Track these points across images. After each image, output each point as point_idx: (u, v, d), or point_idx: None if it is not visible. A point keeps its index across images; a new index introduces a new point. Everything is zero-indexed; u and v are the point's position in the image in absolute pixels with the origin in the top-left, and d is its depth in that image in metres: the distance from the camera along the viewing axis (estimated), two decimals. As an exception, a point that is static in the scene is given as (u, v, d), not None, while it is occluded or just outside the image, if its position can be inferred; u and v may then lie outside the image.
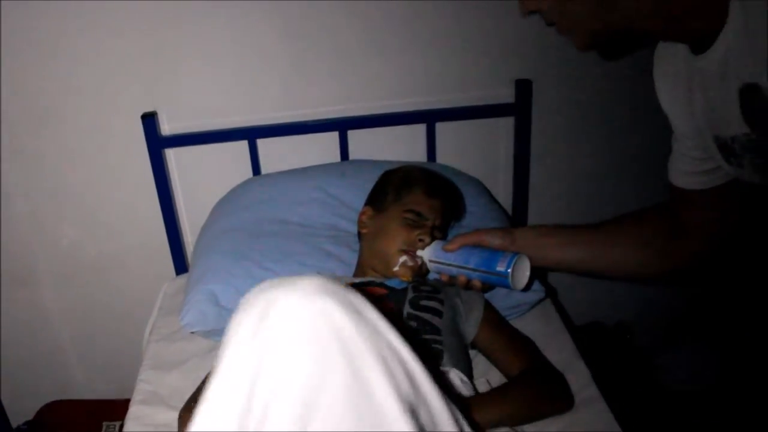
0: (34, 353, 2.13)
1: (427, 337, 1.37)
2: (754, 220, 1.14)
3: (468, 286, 1.32)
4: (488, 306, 1.54)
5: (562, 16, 0.97)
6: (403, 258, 1.48)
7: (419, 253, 1.42)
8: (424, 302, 1.43)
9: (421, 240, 1.47)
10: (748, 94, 0.87)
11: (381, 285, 1.48)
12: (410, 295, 1.45)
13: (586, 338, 1.85)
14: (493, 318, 1.52)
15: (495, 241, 1.30)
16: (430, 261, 1.38)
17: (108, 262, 2.01)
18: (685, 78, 1.01)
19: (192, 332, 1.60)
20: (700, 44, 0.93)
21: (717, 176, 1.10)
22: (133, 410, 1.49)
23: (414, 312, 1.41)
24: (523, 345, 1.48)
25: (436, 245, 1.38)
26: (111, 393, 2.19)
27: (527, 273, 1.27)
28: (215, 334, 1.58)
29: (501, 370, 1.47)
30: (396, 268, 1.49)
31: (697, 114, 1.01)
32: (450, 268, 1.33)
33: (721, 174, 1.08)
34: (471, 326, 1.48)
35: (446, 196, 1.60)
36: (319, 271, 1.58)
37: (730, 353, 2.07)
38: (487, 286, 1.33)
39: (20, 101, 1.78)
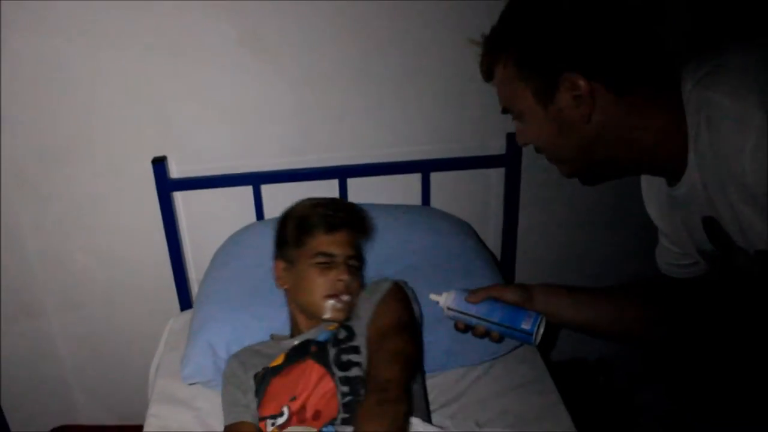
0: (40, 380, 2.21)
1: (360, 398, 1.36)
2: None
3: (484, 336, 1.31)
4: (378, 311, 1.50)
5: (551, 151, 1.13)
6: (330, 303, 1.52)
7: (440, 302, 1.34)
8: (344, 357, 1.43)
9: (340, 280, 1.51)
10: (709, 223, 1.03)
11: (315, 342, 1.50)
12: (332, 353, 1.44)
13: (568, 377, 1.93)
14: (382, 323, 1.48)
15: (513, 296, 1.29)
16: (449, 309, 1.33)
17: (114, 295, 2.11)
18: (665, 199, 1.15)
19: (191, 383, 1.68)
20: (672, 177, 1.07)
21: (696, 269, 1.23)
22: (146, 445, 1.57)
23: (344, 374, 1.40)
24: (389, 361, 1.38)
25: (456, 295, 1.33)
26: (113, 420, 2.29)
27: (542, 331, 1.27)
28: (214, 383, 1.67)
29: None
30: (326, 315, 1.53)
31: (678, 226, 1.15)
32: (470, 318, 1.31)
33: (699, 268, 1.22)
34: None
35: (347, 223, 1.60)
36: (273, 334, 1.67)
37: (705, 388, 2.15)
38: (502, 338, 1.32)
39: (34, 144, 1.87)
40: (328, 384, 1.41)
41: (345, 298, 1.53)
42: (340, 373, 1.41)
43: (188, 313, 1.98)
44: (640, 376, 2.28)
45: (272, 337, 1.67)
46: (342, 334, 1.49)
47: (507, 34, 1.09)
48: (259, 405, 1.47)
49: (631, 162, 1.09)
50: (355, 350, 1.45)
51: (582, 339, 2.27)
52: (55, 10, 1.71)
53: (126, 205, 1.98)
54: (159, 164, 1.87)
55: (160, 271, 2.03)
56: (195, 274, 2.06)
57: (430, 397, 1.66)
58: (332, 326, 1.53)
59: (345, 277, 1.52)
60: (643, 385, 2.25)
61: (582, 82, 1.01)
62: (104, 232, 2.01)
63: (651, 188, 1.22)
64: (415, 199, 2.00)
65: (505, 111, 1.16)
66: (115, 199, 1.97)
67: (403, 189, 2.01)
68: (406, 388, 1.33)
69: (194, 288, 2.07)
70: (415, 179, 1.98)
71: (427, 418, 1.47)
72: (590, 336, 1.40)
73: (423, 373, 1.60)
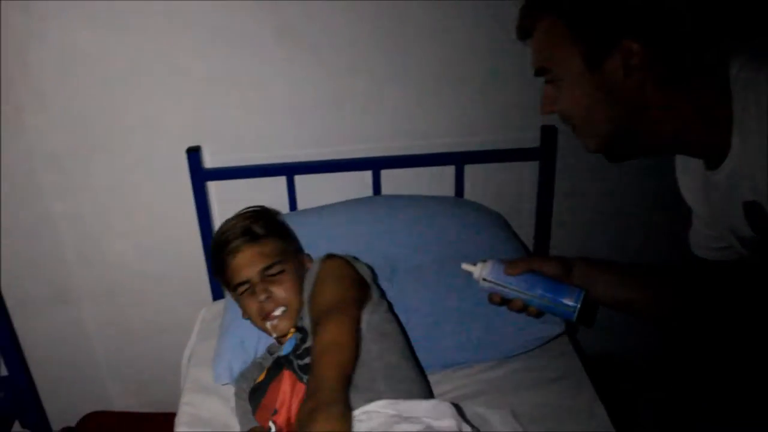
0: (73, 366, 2.25)
1: None
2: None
3: (522, 310, 1.26)
4: (312, 295, 1.46)
5: (584, 121, 1.07)
6: (269, 324, 1.52)
7: (474, 273, 1.28)
8: (301, 362, 1.41)
9: (263, 300, 1.49)
10: (750, 208, 0.99)
11: (284, 355, 1.48)
12: (296, 362, 1.42)
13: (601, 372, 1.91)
14: (315, 309, 1.43)
15: (553, 269, 1.25)
16: (484, 280, 1.27)
17: (147, 284, 2.13)
18: (702, 183, 1.11)
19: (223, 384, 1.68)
20: (711, 160, 1.03)
21: (730, 253, 1.18)
22: (179, 432, 1.59)
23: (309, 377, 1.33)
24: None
25: (494, 265, 1.26)
26: (144, 407, 2.32)
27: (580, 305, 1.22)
28: None
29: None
30: (274, 335, 1.54)
31: (715, 210, 1.12)
32: (507, 290, 1.25)
33: (733, 251, 1.17)
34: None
35: (242, 242, 1.55)
36: (269, 346, 1.66)
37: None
38: (542, 312, 1.27)
39: (72, 133, 1.89)
40: (302, 390, 1.37)
41: (277, 312, 1.51)
42: (306, 377, 1.37)
43: (220, 303, 1.99)
44: (643, 373, 2.26)
45: (268, 350, 1.66)
46: (298, 337, 1.47)
47: None
48: (257, 419, 1.48)
49: (668, 141, 1.05)
50: (309, 353, 1.38)
51: (585, 333, 2.27)
52: (95, 4, 1.72)
53: (160, 195, 1.99)
54: (194, 154, 1.88)
55: (193, 260, 2.04)
56: (227, 264, 2.07)
57: (462, 385, 1.67)
58: (291, 333, 1.52)
59: (262, 297, 1.50)
60: (646, 383, 2.23)
61: (639, 51, 0.96)
62: (139, 222, 2.03)
63: (686, 170, 1.17)
64: (449, 190, 1.99)
65: (538, 73, 1.09)
66: (150, 188, 1.99)
67: (437, 181, 2.00)
68: (342, 382, 1.23)
69: (226, 278, 2.08)
70: (448, 171, 1.97)
71: (417, 395, 1.40)
72: (623, 313, 1.36)
73: (411, 349, 1.53)
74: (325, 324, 1.33)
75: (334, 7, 1.78)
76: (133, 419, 2.25)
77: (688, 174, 1.17)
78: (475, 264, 1.28)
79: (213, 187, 1.97)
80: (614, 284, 1.27)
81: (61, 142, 1.90)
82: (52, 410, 2.26)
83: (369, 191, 1.98)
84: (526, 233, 2.09)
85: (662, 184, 1.35)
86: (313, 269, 1.53)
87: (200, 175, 1.91)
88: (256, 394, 1.48)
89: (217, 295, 2.06)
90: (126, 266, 2.09)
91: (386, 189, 1.98)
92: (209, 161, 1.94)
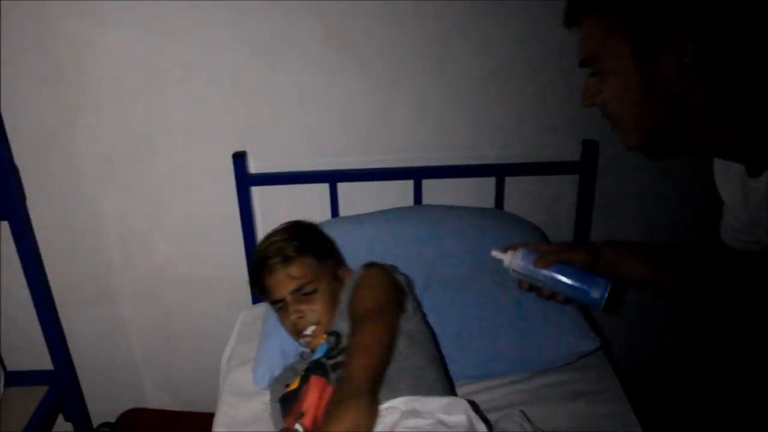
0: (112, 364, 2.30)
1: None
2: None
3: (551, 298, 1.29)
4: (351, 302, 1.50)
5: (626, 118, 1.06)
6: (302, 341, 1.60)
7: (504, 261, 1.30)
8: (333, 361, 1.45)
9: (295, 319, 1.57)
10: None
11: (316, 360, 1.51)
12: (328, 362, 1.46)
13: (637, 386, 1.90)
14: (353, 314, 1.47)
15: (581, 258, 1.25)
16: (514, 271, 1.29)
17: (188, 285, 2.17)
18: (741, 186, 1.11)
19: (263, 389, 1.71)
20: (754, 168, 1.03)
21: (760, 246, 1.16)
22: (218, 432, 1.62)
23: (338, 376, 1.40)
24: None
25: (524, 256, 1.28)
26: (179, 406, 2.37)
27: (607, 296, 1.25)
28: None
29: None
30: (308, 349, 1.60)
31: (754, 213, 1.10)
32: (536, 280, 1.28)
33: (762, 245, 1.15)
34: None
35: (276, 264, 1.60)
36: (302, 352, 1.68)
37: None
38: (568, 300, 1.30)
39: (120, 138, 1.95)
40: (328, 391, 1.41)
41: (308, 331, 1.57)
42: (335, 375, 1.42)
43: (259, 307, 2.02)
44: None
45: (301, 355, 1.69)
46: (332, 342, 1.51)
47: None
48: (286, 423, 1.50)
49: (710, 143, 1.04)
50: (343, 352, 1.45)
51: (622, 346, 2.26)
52: (148, 10, 1.78)
53: (205, 198, 2.04)
54: (239, 159, 1.92)
55: (234, 264, 2.08)
56: (267, 269, 2.10)
57: (491, 399, 1.66)
58: (323, 339, 1.55)
59: (293, 317, 1.58)
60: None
61: (691, 50, 0.95)
62: (182, 224, 2.08)
63: (727, 171, 1.16)
64: (489, 202, 2.01)
65: (583, 64, 1.07)
66: (195, 191, 2.03)
67: (478, 192, 2.02)
68: (371, 382, 1.25)
69: (266, 282, 2.11)
70: (489, 182, 1.99)
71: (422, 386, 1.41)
72: (649, 295, 1.36)
73: (442, 359, 1.58)
74: (362, 329, 1.37)
75: (381, 18, 1.81)
76: (170, 417, 2.29)
77: (729, 176, 1.16)
78: (505, 251, 1.31)
79: (255, 192, 2.01)
80: (640, 267, 1.28)
81: (111, 145, 1.96)
82: (93, 405, 2.31)
83: (410, 200, 2.00)
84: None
85: (703, 198, 1.34)
86: (353, 276, 1.58)
87: (245, 180, 1.95)
88: (288, 401, 1.51)
89: (256, 299, 2.09)
90: (168, 268, 2.14)
91: (427, 199, 2.00)
92: (253, 167, 1.98)
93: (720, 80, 0.97)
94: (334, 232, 1.83)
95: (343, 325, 1.49)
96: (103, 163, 1.98)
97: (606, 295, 1.24)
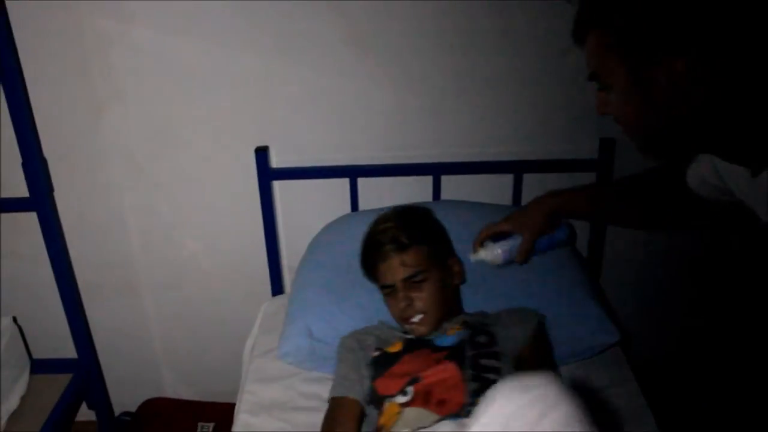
0: (134, 354, 2.35)
1: None
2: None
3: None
4: (538, 336, 1.60)
5: (631, 127, 1.11)
6: (408, 326, 1.60)
7: (481, 256, 1.61)
8: (483, 361, 1.47)
9: (404, 307, 1.57)
10: None
11: (429, 343, 1.56)
12: (469, 352, 1.49)
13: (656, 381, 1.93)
14: (535, 350, 1.57)
15: (548, 229, 1.61)
16: (493, 262, 1.61)
17: (209, 277, 2.21)
18: (746, 180, 1.14)
19: (288, 362, 1.76)
20: (756, 169, 1.07)
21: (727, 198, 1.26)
22: (241, 418, 1.66)
23: (476, 373, 1.44)
24: None
25: (504, 257, 1.59)
26: (198, 395, 2.41)
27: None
28: (309, 365, 1.76)
29: None
30: (411, 335, 1.60)
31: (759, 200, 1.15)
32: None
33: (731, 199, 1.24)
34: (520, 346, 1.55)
35: (390, 251, 1.60)
36: (381, 321, 1.72)
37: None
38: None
39: (144, 132, 1.99)
40: (455, 377, 1.44)
41: (416, 318, 1.58)
42: (472, 372, 1.44)
43: (280, 298, 2.07)
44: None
45: (381, 323, 1.72)
46: (482, 339, 1.53)
47: (607, 6, 1.05)
48: (376, 385, 1.52)
49: (715, 146, 1.10)
50: (496, 357, 1.49)
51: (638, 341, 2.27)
52: (174, 7, 1.81)
53: (227, 192, 2.08)
54: (261, 153, 1.96)
55: (255, 257, 2.12)
56: (287, 261, 2.14)
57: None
58: (453, 329, 1.58)
59: (402, 304, 1.58)
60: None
61: (682, 68, 0.98)
62: (204, 217, 2.11)
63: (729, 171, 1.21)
64: (506, 198, 2.04)
65: (591, 78, 1.13)
66: (217, 185, 2.07)
67: (495, 188, 2.04)
68: None
69: (286, 275, 2.15)
70: (507, 179, 2.01)
71: None
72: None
73: None
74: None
75: (401, 16, 1.83)
76: (190, 407, 2.33)
77: (731, 175, 1.20)
78: (478, 252, 1.62)
79: (277, 186, 2.04)
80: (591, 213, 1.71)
81: (135, 139, 1.99)
82: (115, 394, 2.36)
83: (429, 196, 2.03)
84: (581, 242, 2.11)
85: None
86: (530, 317, 1.64)
87: (267, 175, 1.98)
88: (385, 360, 1.54)
89: (276, 291, 2.13)
90: (189, 260, 2.18)
91: (446, 195, 2.03)
92: (275, 161, 2.02)
93: (717, 88, 1.00)
94: (356, 226, 1.82)
95: (505, 343, 1.53)
96: (127, 157, 2.01)
97: (567, 235, 1.64)
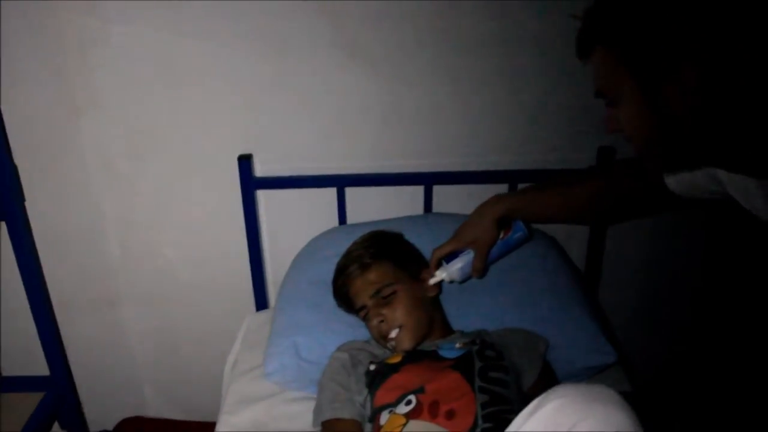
0: (112, 370, 2.26)
1: (504, 414, 1.34)
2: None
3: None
4: (545, 367, 1.58)
5: (643, 142, 1.08)
6: (389, 345, 1.55)
7: (437, 278, 1.59)
8: (492, 374, 1.43)
9: (376, 324, 1.55)
10: None
11: (433, 354, 1.51)
12: (478, 364, 1.46)
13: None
14: (545, 379, 1.55)
15: (501, 235, 1.59)
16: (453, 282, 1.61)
17: (191, 291, 2.13)
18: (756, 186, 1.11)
19: (273, 382, 1.68)
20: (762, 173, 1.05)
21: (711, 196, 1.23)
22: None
23: (485, 385, 1.40)
24: None
25: (460, 274, 1.58)
26: (181, 414, 2.32)
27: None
28: (294, 385, 1.67)
29: None
30: (397, 352, 1.55)
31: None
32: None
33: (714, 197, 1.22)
34: (528, 380, 1.53)
35: (354, 272, 1.61)
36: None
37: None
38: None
39: (123, 138, 1.91)
40: (463, 387, 1.39)
41: (393, 333, 1.54)
42: (481, 383, 1.40)
43: (264, 313, 1.99)
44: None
45: (373, 339, 1.65)
46: (490, 353, 1.49)
47: (612, 18, 1.02)
48: (375, 397, 1.45)
49: (723, 158, 1.07)
50: (506, 371, 1.46)
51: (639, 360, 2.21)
52: (152, 8, 1.74)
53: (209, 201, 2.00)
54: (245, 161, 1.88)
55: (238, 269, 2.04)
56: (272, 275, 2.06)
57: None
58: (462, 344, 1.53)
59: (375, 321, 1.55)
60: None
61: (693, 77, 0.95)
62: (186, 227, 2.03)
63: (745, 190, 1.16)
64: (500, 209, 1.95)
65: (598, 95, 1.10)
66: (199, 194, 1.99)
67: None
68: None
69: (270, 289, 2.07)
70: (501, 189, 1.93)
71: None
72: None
73: None
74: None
75: (390, 19, 1.77)
76: (171, 426, 2.26)
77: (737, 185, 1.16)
78: (435, 275, 1.60)
79: (261, 196, 1.97)
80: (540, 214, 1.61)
81: (114, 145, 1.92)
82: (91, 413, 2.27)
83: (420, 207, 1.96)
84: (578, 255, 2.05)
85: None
86: (538, 343, 1.61)
87: (251, 184, 1.91)
88: (385, 370, 1.48)
89: (260, 306, 2.05)
90: (170, 272, 2.10)
91: (437, 205, 1.96)
92: (259, 170, 1.94)
93: (727, 97, 0.97)
94: (343, 240, 1.76)
95: (505, 351, 1.52)
96: (105, 163, 1.94)
97: (525, 230, 1.60)
